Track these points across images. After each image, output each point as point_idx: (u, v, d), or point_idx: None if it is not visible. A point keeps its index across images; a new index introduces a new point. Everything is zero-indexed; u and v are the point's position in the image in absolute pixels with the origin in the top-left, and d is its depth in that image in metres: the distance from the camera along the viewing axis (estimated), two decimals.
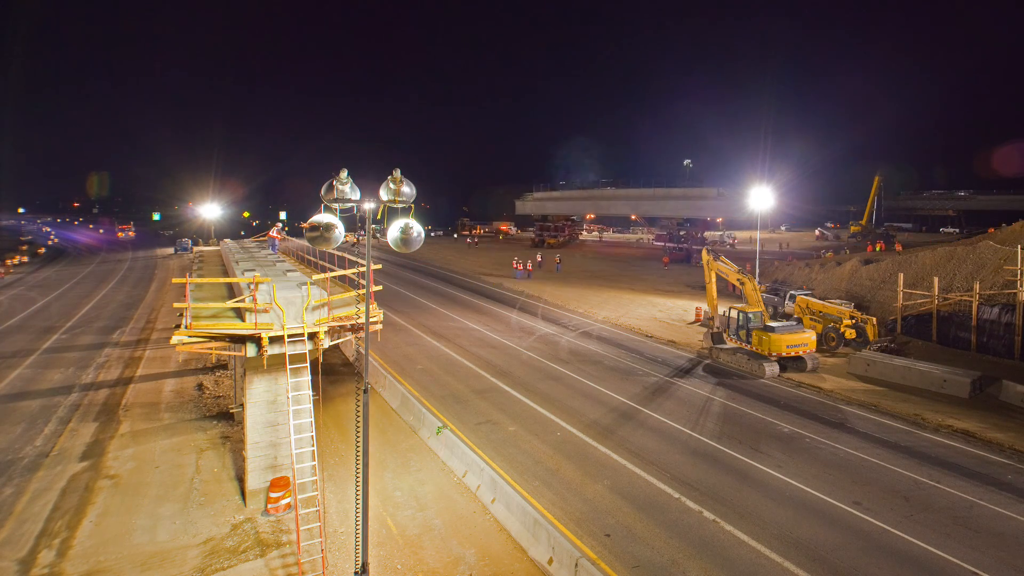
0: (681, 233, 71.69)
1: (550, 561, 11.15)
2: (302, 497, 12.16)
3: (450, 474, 15.15)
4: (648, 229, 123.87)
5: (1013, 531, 12.39)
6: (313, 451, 12.30)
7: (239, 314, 13.28)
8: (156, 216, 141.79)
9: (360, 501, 9.48)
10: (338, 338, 14.25)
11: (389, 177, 9.54)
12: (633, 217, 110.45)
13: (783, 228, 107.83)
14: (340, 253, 18.76)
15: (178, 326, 12.31)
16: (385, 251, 65.50)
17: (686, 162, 72.25)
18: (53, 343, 29.33)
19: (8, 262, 69.80)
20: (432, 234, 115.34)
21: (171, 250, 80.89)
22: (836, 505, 13.45)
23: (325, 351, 13.98)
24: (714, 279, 28.27)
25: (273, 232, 29.82)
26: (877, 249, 58.38)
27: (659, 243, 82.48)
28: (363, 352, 9.77)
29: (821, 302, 29.54)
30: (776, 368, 23.44)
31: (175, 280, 14.48)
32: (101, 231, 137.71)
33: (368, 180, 10.13)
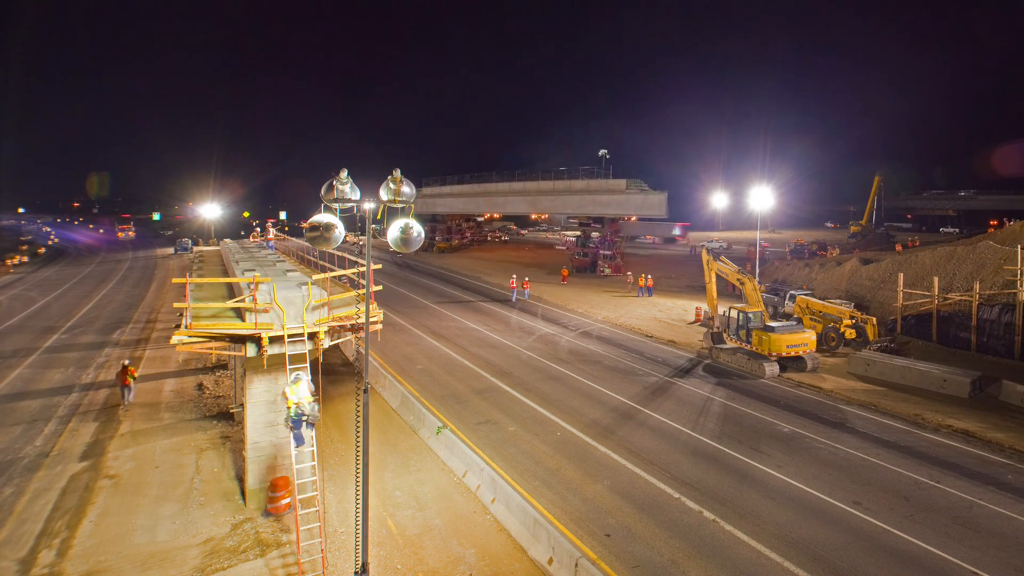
0: (594, 235, 58.39)
1: (550, 561, 11.15)
2: (302, 497, 12.15)
3: (450, 474, 15.15)
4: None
5: (1013, 531, 12.39)
6: (313, 451, 12.30)
7: (239, 314, 13.29)
8: (156, 216, 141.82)
9: (360, 501, 9.47)
10: (338, 338, 14.25)
11: (389, 177, 9.54)
12: (533, 216, 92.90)
13: (772, 230, 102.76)
14: (340, 253, 18.75)
15: (178, 326, 12.31)
16: (385, 251, 65.46)
17: (601, 152, 56.81)
18: (53, 343, 29.33)
19: (8, 262, 69.80)
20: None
21: (171, 250, 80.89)
22: (836, 505, 13.45)
23: (325, 351, 13.98)
24: (714, 279, 28.25)
25: (270, 235, 30.54)
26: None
27: (563, 247, 70.97)
28: (363, 352, 9.76)
29: (821, 302, 29.53)
30: (776, 368, 23.43)
31: (175, 280, 14.49)
32: (101, 231, 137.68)
33: (368, 180, 10.14)
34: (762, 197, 36.21)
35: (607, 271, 53.96)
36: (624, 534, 12.30)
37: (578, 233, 62.57)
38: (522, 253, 77.30)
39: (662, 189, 51.22)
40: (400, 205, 9.61)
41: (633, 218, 62.00)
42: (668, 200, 50.85)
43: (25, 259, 75.52)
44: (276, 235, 32.52)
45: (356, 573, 9.60)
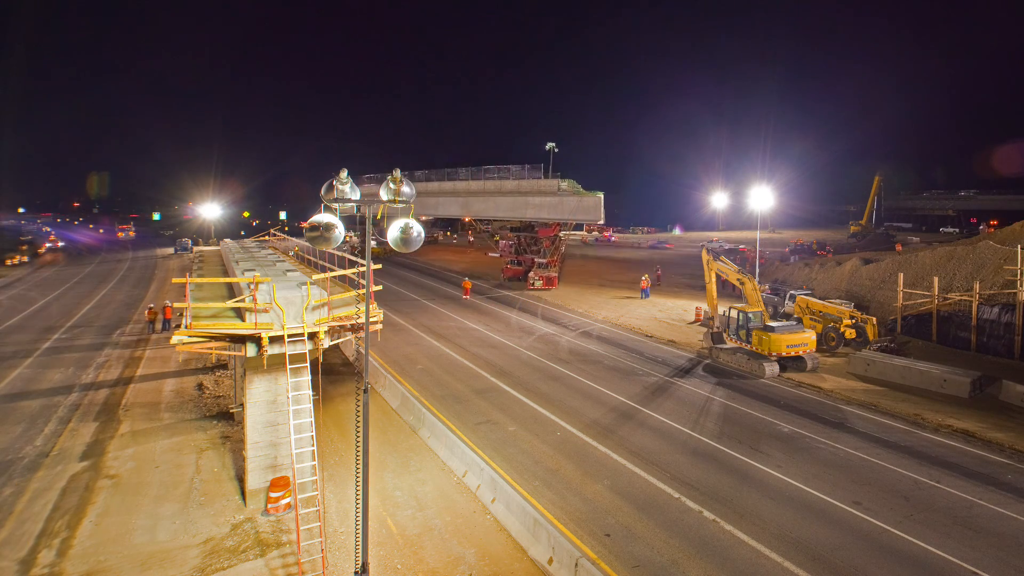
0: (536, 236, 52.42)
1: (550, 561, 11.15)
2: (302, 497, 12.16)
3: (450, 474, 15.15)
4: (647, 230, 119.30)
5: (1013, 531, 12.39)
6: (313, 451, 12.30)
7: (239, 314, 13.29)
8: (156, 216, 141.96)
9: (360, 501, 9.48)
10: (338, 338, 14.25)
11: (389, 177, 9.55)
12: (466, 219, 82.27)
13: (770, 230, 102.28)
14: (340, 253, 18.76)
15: (178, 326, 12.31)
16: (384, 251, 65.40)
17: (549, 145, 48.84)
18: (53, 343, 29.32)
19: (8, 262, 69.80)
20: (446, 232, 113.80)
21: (171, 250, 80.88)
22: (836, 505, 13.44)
23: (325, 351, 13.98)
24: (714, 279, 28.26)
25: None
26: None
27: (495, 255, 63.15)
28: (363, 352, 9.77)
29: (821, 302, 29.53)
30: (776, 368, 23.43)
31: (175, 280, 14.49)
32: (101, 231, 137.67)
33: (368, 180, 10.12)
34: (762, 197, 36.21)
35: (538, 283, 46.53)
36: (624, 534, 12.30)
37: (512, 239, 55.91)
38: (458, 257, 73.24)
39: (600, 190, 42.33)
40: (400, 205, 9.63)
41: (571, 223, 53.56)
42: (620, 203, 44.31)
43: (25, 259, 75.46)
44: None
45: (356, 573, 9.60)
